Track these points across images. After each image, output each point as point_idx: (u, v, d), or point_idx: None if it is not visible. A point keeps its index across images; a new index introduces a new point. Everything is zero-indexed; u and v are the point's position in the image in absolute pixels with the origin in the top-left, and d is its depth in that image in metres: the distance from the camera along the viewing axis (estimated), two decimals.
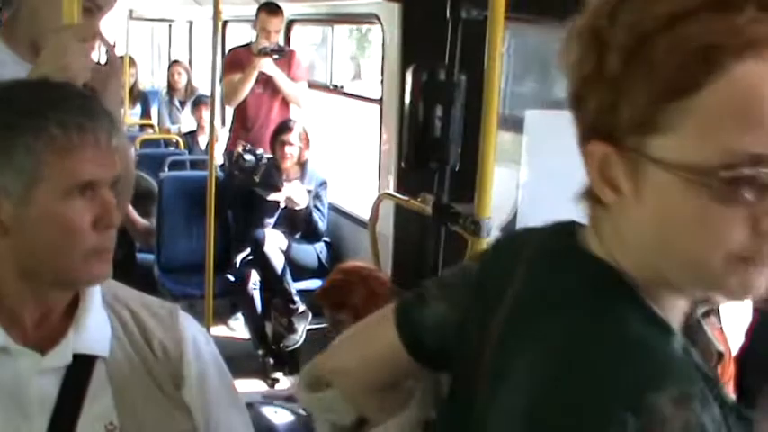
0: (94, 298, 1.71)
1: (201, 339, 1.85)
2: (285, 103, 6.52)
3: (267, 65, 6.27)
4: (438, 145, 2.80)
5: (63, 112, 1.54)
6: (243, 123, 6.62)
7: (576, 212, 1.98)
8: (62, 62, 2.22)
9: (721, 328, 2.16)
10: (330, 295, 3.77)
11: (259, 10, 6.38)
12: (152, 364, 1.74)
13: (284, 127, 6.08)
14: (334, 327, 3.77)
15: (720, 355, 2.03)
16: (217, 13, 5.02)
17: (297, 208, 5.81)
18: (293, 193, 5.81)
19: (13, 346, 1.60)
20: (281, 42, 6.58)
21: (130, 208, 5.96)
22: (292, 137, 5.97)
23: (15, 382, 1.59)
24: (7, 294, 1.62)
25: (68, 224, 1.55)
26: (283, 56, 6.37)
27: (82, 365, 1.65)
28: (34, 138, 1.52)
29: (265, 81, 6.40)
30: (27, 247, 1.58)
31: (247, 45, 6.68)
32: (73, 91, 1.66)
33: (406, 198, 3.50)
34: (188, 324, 1.83)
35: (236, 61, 6.48)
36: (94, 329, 1.68)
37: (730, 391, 2.18)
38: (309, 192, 5.93)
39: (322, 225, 5.94)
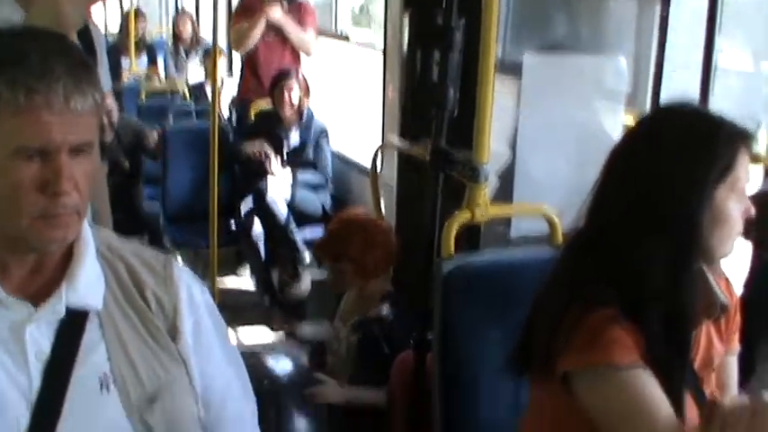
0: (88, 250, 1.69)
1: (197, 291, 1.83)
2: (296, 52, 6.48)
3: (276, 11, 6.23)
4: (436, 90, 2.77)
5: (15, 70, 1.49)
6: (253, 72, 6.58)
7: (575, 156, 1.97)
8: (55, 9, 2.20)
9: (727, 279, 2.14)
10: (329, 246, 3.75)
11: None
12: (146, 317, 1.72)
13: (284, 75, 6.01)
14: (335, 277, 3.76)
15: (724, 307, 2.01)
16: None
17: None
18: (277, 182, 5.79)
19: (6, 297, 1.59)
20: None
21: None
22: (292, 85, 5.94)
23: (10, 334, 1.59)
24: None
25: (12, 184, 1.51)
26: (293, 2, 6.35)
27: (75, 319, 1.64)
28: None
29: (276, 29, 6.35)
30: None
31: None
32: (36, 47, 1.54)
33: (405, 145, 3.47)
34: (183, 275, 1.81)
35: (247, 8, 6.44)
36: (88, 282, 1.67)
37: (737, 342, 2.17)
38: (309, 141, 5.91)
39: (323, 176, 5.91)
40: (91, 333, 1.65)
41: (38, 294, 1.63)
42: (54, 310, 1.62)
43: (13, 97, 1.47)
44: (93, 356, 1.64)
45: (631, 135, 2.01)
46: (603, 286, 1.86)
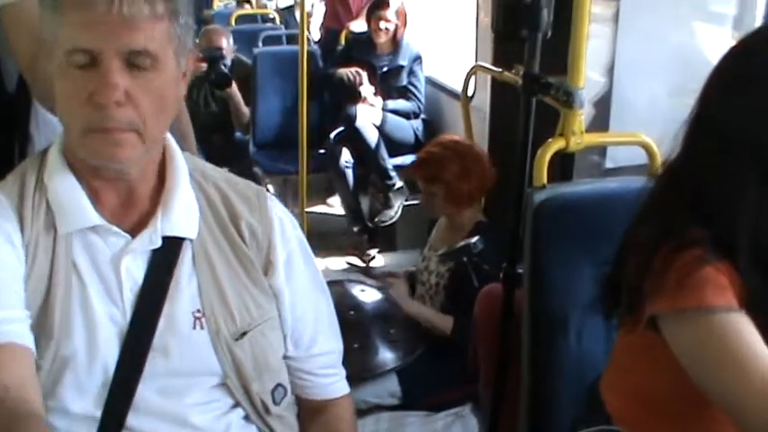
0: (180, 178, 1.65)
1: (288, 223, 1.79)
2: None
3: None
4: (529, 11, 2.66)
5: None
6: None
7: (677, 84, 1.84)
8: None
9: None
10: (424, 167, 3.70)
11: None
12: (240, 249, 1.69)
13: (382, 1, 5.92)
14: (427, 200, 3.71)
15: None
16: None
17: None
18: (368, 108, 5.68)
19: (105, 225, 1.57)
20: None
21: (237, 95, 5.92)
22: (389, 13, 5.83)
23: (106, 264, 1.57)
24: (85, 172, 1.57)
25: (63, 93, 1.46)
26: None
27: (169, 248, 1.61)
28: None
29: None
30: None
31: None
32: None
33: (497, 70, 3.37)
34: (275, 207, 1.77)
35: None
36: (182, 210, 1.63)
37: None
38: (403, 67, 5.80)
39: (416, 103, 5.82)
40: (184, 265, 1.62)
41: (134, 226, 1.60)
42: (150, 240, 1.59)
43: None
44: (186, 290, 1.61)
45: (726, 60, 1.84)
46: (694, 223, 1.73)
